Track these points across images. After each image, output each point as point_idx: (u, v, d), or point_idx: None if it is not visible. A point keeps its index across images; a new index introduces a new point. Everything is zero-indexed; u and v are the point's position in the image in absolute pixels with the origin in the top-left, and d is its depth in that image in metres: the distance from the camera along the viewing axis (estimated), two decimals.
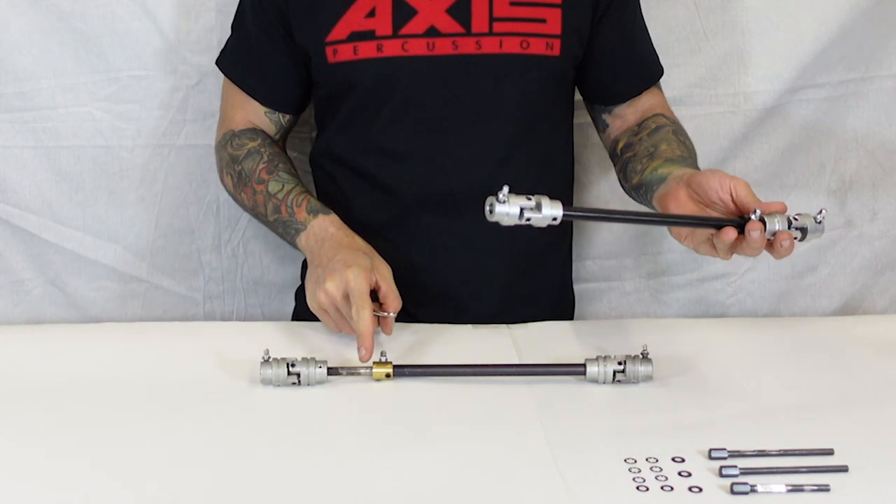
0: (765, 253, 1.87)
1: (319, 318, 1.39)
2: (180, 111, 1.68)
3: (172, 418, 1.20)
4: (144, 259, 1.74)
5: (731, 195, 1.24)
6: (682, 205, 1.29)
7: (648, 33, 1.60)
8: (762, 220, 1.20)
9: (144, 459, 1.11)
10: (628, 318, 1.86)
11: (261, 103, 1.56)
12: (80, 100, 1.65)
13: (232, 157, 1.54)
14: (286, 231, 1.48)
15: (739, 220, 1.22)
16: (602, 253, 1.84)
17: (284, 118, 1.58)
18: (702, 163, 1.76)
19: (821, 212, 1.24)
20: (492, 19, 1.45)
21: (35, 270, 1.72)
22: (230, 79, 1.57)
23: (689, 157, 1.46)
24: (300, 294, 1.67)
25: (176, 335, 1.46)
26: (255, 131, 1.56)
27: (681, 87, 1.74)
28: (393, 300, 1.36)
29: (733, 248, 1.23)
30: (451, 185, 1.48)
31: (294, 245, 1.49)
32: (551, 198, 1.14)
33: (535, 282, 1.57)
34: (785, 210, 1.22)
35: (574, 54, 1.50)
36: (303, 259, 1.66)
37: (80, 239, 1.70)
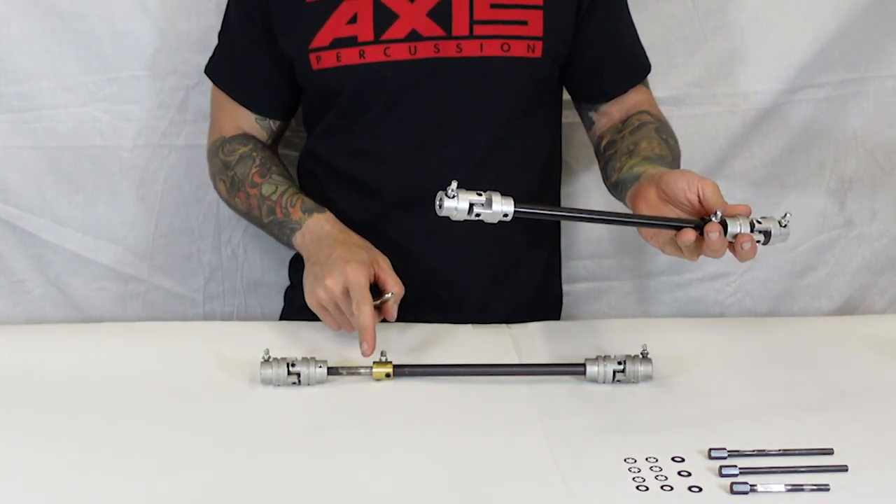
0: (765, 252, 1.88)
1: (319, 316, 1.38)
2: (180, 111, 1.68)
3: (172, 418, 1.20)
4: (144, 259, 1.74)
5: (699, 196, 1.23)
6: (650, 204, 1.28)
7: (635, 30, 1.58)
8: (724, 223, 1.19)
9: (144, 459, 1.11)
10: (628, 317, 1.86)
11: (251, 111, 1.56)
12: (80, 100, 1.65)
13: (224, 163, 1.54)
14: (282, 232, 1.48)
15: (700, 222, 1.21)
16: (601, 252, 1.84)
17: (275, 124, 1.58)
18: (701, 163, 1.77)
19: (785, 216, 1.22)
20: (472, 22, 1.44)
21: (35, 271, 1.72)
22: (219, 87, 1.57)
23: (668, 155, 1.45)
24: (289, 295, 1.67)
25: (176, 335, 1.46)
26: (246, 137, 1.56)
27: (680, 86, 1.74)
28: (393, 285, 1.35)
29: (697, 249, 1.22)
30: (432, 187, 1.47)
31: (290, 245, 1.49)
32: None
33: (516, 282, 1.57)
34: (749, 213, 1.21)
35: (557, 55, 1.50)
36: (290, 259, 1.66)
37: (80, 239, 1.70)
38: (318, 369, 1.26)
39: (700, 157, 1.77)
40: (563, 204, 1.70)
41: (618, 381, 1.27)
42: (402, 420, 1.20)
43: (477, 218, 1.14)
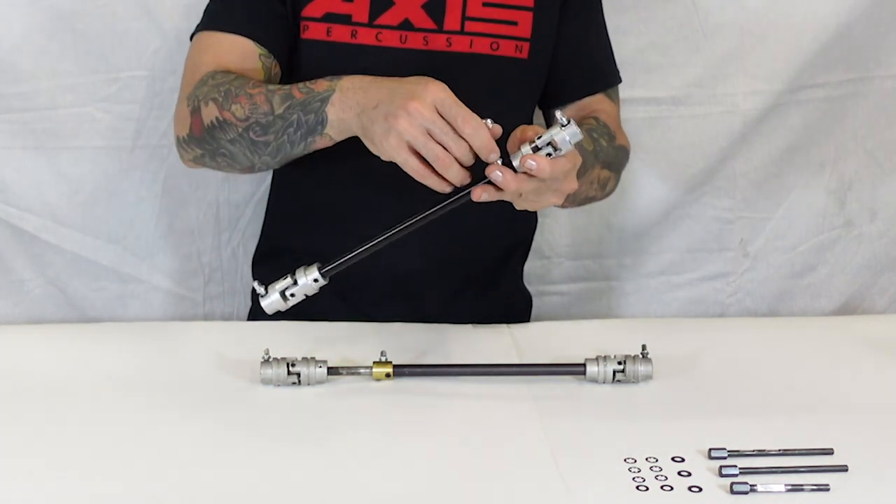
0: (765, 252, 1.88)
1: (399, 161, 1.20)
2: None
3: (172, 418, 1.19)
4: (144, 259, 1.74)
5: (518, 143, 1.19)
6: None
7: (608, 41, 1.57)
8: (506, 164, 1.16)
9: (145, 459, 1.11)
10: (628, 317, 1.87)
11: (258, 43, 1.40)
12: (80, 100, 1.64)
13: (216, 84, 1.35)
14: (306, 111, 1.28)
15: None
16: (602, 252, 1.84)
17: (275, 67, 1.43)
18: (701, 163, 1.78)
19: (561, 117, 1.15)
20: (464, 18, 1.44)
21: (35, 271, 1.71)
22: (223, 30, 1.42)
23: (585, 147, 1.36)
24: (255, 294, 1.66)
25: (176, 335, 1.46)
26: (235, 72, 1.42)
27: (680, 87, 1.74)
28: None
29: (522, 201, 1.19)
30: (408, 179, 1.46)
31: (315, 130, 1.28)
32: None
33: (490, 284, 1.57)
34: (532, 137, 1.17)
35: (542, 57, 1.49)
36: (252, 255, 1.65)
37: (80, 239, 1.70)
38: (318, 369, 1.26)
39: (700, 157, 1.77)
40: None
41: (618, 381, 1.27)
42: (402, 420, 1.20)
43: (293, 298, 1.22)
